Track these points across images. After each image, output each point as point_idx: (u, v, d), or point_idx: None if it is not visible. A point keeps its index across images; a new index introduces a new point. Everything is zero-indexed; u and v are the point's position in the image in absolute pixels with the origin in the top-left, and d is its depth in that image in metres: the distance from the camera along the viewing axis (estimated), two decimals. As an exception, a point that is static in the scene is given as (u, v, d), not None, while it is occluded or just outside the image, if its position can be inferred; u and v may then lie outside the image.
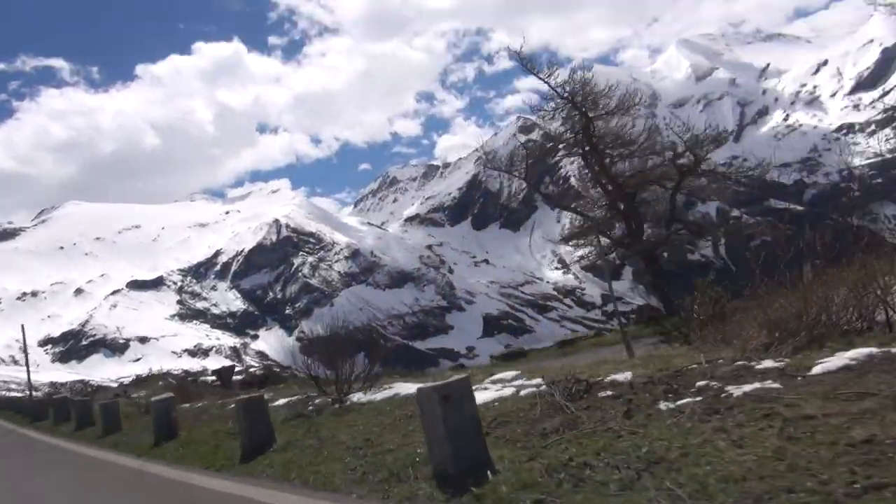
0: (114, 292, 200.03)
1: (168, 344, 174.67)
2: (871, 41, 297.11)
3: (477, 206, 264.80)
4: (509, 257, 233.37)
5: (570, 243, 32.84)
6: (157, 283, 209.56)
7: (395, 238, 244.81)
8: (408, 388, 10.09)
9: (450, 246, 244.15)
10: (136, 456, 11.05)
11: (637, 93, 26.96)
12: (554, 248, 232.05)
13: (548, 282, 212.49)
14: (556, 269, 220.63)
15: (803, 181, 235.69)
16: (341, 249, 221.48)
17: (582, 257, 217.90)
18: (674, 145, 25.78)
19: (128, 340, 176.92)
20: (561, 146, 28.65)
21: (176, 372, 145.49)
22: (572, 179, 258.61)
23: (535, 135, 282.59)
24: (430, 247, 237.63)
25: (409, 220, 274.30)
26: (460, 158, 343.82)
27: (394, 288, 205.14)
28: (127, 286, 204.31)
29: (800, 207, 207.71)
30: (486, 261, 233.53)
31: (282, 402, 12.49)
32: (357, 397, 10.52)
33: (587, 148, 26.44)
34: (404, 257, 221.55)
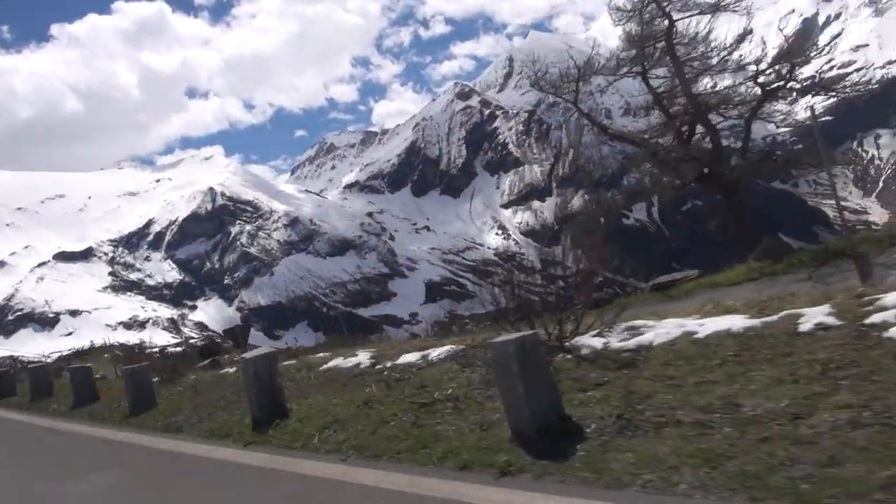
0: (40, 264, 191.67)
1: (101, 317, 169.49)
2: (793, 11, 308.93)
3: (416, 173, 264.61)
4: (450, 224, 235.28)
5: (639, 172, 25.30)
6: (86, 255, 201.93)
7: (335, 206, 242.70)
8: (675, 325, 6.68)
9: (390, 213, 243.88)
10: (238, 444, 7.34)
11: None
12: (494, 214, 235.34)
13: (488, 247, 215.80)
14: (497, 234, 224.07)
15: (730, 147, 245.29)
16: (280, 217, 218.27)
17: (521, 222, 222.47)
18: (759, 59, 21.97)
19: (58, 314, 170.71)
20: (632, 56, 22.64)
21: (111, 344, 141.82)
22: (510, 146, 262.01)
23: (473, 101, 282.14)
24: (370, 214, 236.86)
25: (349, 187, 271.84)
26: (398, 125, 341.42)
27: (335, 256, 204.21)
28: (54, 258, 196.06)
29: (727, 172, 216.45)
30: (427, 227, 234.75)
31: (441, 351, 8.72)
32: (599, 343, 6.90)
33: (644, 64, 21.77)
34: (344, 225, 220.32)
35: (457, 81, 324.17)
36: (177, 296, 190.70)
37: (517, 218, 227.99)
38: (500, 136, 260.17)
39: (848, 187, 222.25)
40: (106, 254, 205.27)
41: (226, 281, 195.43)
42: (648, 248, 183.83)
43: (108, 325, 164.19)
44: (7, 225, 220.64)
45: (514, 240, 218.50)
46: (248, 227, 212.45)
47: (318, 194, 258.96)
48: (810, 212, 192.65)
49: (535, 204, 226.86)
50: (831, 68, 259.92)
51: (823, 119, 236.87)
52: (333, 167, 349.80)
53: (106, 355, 70.43)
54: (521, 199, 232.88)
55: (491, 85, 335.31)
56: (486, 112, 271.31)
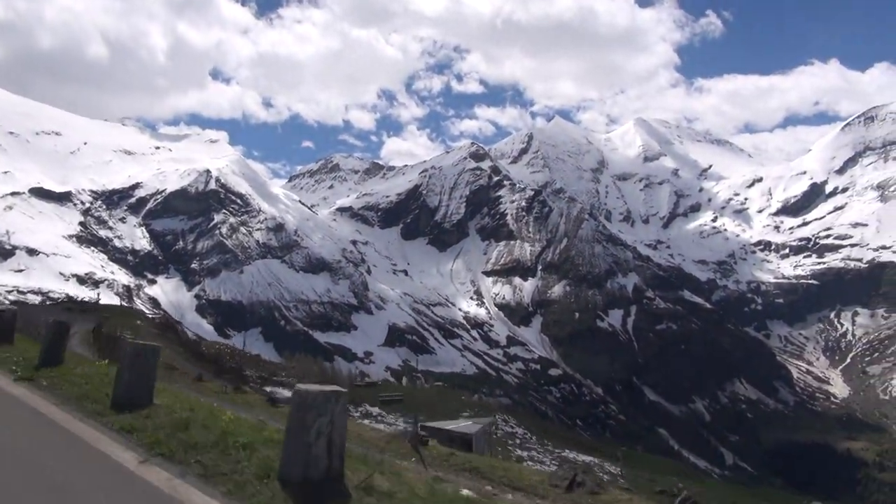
0: (14, 193, 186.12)
1: (58, 264, 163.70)
2: (804, 173, 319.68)
3: (411, 217, 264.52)
4: (429, 275, 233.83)
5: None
6: (63, 198, 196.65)
7: (322, 224, 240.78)
8: None
9: (374, 247, 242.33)
10: None
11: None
12: (473, 279, 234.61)
13: (460, 309, 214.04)
14: (472, 299, 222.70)
15: (715, 282, 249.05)
16: (266, 219, 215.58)
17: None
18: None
19: (14, 248, 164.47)
20: None
21: (59, 296, 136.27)
22: (508, 217, 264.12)
23: (484, 164, 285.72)
24: (354, 242, 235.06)
25: (341, 210, 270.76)
26: (406, 165, 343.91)
27: (308, 273, 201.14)
28: (30, 192, 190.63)
29: (708, 305, 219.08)
30: (406, 272, 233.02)
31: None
32: None
33: None
34: (326, 245, 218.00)
35: (473, 142, 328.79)
36: (140, 265, 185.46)
37: (495, 289, 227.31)
38: (501, 206, 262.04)
39: (816, 353, 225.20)
40: (83, 203, 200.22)
41: (193, 265, 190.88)
42: (613, 354, 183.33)
43: (61, 274, 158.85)
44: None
45: (486, 309, 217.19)
46: (231, 220, 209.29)
47: (309, 208, 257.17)
48: (776, 366, 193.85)
49: (517, 280, 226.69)
50: (828, 236, 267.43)
51: (808, 282, 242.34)
52: (331, 187, 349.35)
53: (138, 321, 63.99)
54: (505, 271, 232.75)
55: (505, 155, 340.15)
56: (495, 179, 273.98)
